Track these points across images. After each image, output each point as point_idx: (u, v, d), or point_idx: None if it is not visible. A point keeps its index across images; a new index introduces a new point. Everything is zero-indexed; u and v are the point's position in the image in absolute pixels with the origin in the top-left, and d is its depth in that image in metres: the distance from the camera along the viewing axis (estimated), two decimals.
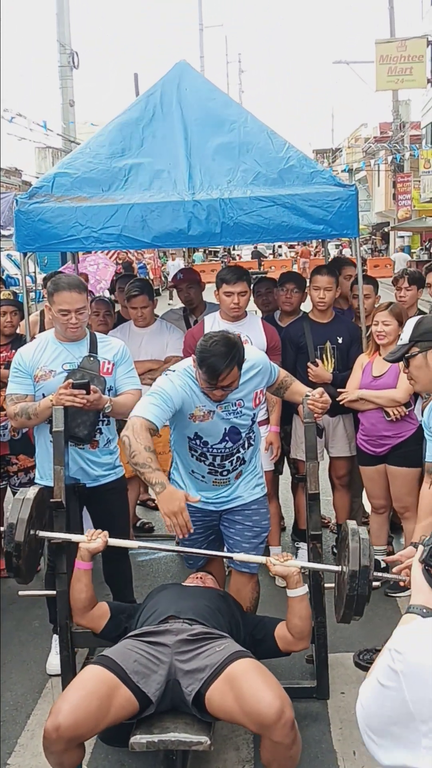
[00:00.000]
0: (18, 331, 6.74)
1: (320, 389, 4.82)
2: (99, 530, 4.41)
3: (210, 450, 4.57)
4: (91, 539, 4.32)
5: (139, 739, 3.61)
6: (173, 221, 5.85)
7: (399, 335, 5.80)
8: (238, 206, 5.80)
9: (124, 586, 5.44)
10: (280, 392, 4.94)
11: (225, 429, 4.52)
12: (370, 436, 5.96)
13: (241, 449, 4.66)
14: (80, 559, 4.32)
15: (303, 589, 4.22)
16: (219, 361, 4.21)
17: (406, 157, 38.33)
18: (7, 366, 6.34)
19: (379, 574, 4.25)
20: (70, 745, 3.52)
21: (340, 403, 5.97)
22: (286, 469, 6.95)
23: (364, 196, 50.65)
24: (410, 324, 4.16)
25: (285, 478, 7.01)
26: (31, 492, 4.42)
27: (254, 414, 4.66)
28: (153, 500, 8.04)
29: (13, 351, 6.45)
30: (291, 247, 49.41)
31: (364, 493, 6.56)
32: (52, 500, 4.65)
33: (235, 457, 4.66)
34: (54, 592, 4.77)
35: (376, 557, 6.19)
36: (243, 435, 4.62)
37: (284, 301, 6.81)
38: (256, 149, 6.14)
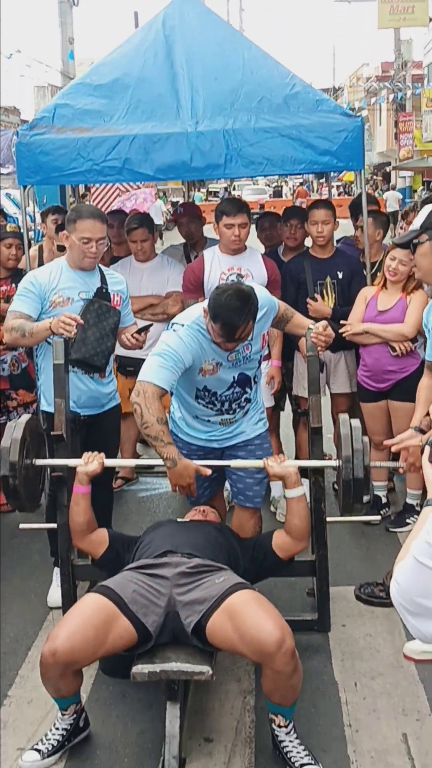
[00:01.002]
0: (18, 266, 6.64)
1: (324, 322, 4.72)
2: (95, 452, 4.40)
3: (219, 398, 4.49)
4: (88, 461, 4.32)
5: (140, 669, 3.59)
6: (176, 153, 5.73)
7: (411, 275, 5.71)
8: (242, 137, 5.67)
9: (102, 514, 5.41)
10: (280, 325, 4.83)
11: (234, 377, 4.43)
12: (373, 372, 5.88)
13: (248, 389, 4.58)
14: (78, 483, 4.30)
15: (301, 490, 4.25)
16: (235, 317, 4.06)
17: (407, 97, 37.79)
18: (7, 300, 6.26)
19: (378, 463, 4.39)
20: (67, 671, 3.53)
21: (344, 335, 5.88)
22: (286, 406, 6.89)
23: (366, 135, 50.03)
24: (425, 212, 4.09)
25: (285, 416, 6.96)
26: (24, 418, 4.47)
27: (260, 355, 4.58)
28: None
29: (13, 285, 6.37)
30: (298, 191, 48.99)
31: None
32: (53, 433, 4.59)
33: (243, 399, 4.58)
34: (54, 525, 4.74)
35: (377, 493, 6.20)
36: (251, 377, 4.54)
37: (288, 237, 6.70)
38: (261, 74, 5.99)
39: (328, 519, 4.68)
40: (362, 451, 4.15)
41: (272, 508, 6.21)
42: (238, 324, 4.07)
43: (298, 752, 3.58)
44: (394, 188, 40.48)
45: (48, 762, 3.63)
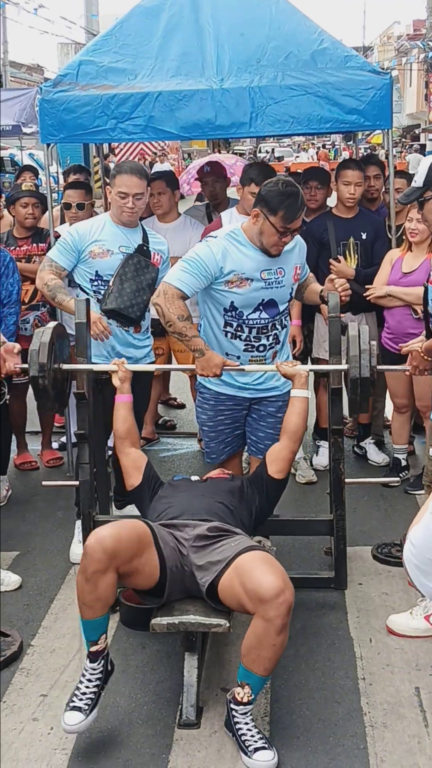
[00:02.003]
0: (40, 225, 6.71)
1: (342, 280, 4.78)
2: (115, 360, 4.69)
3: (246, 322, 4.57)
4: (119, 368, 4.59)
5: (159, 620, 3.72)
6: (200, 110, 5.77)
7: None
8: (268, 95, 5.71)
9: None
10: (301, 292, 4.93)
11: (262, 300, 4.53)
12: (396, 334, 5.95)
13: (278, 326, 4.67)
14: (120, 392, 4.55)
15: (306, 393, 4.42)
16: (293, 200, 4.33)
17: None
18: (28, 260, 6.36)
19: (384, 366, 4.86)
20: (110, 566, 3.52)
21: (368, 298, 5.95)
22: None
23: (396, 96, 49.59)
24: (424, 167, 4.13)
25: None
26: (51, 324, 4.68)
27: (291, 290, 4.68)
28: (174, 399, 8.13)
29: (34, 245, 6.46)
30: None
31: (386, 394, 6.59)
32: (75, 391, 4.71)
33: (271, 333, 4.65)
34: (76, 483, 4.87)
35: (397, 456, 6.29)
36: (280, 309, 4.63)
37: (308, 199, 6.69)
38: (288, 28, 5.98)
39: (347, 480, 4.79)
40: (369, 352, 4.38)
41: (292, 469, 6.32)
42: (298, 203, 4.33)
43: (252, 735, 3.52)
44: (417, 151, 40.11)
45: (92, 718, 3.57)
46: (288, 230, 4.38)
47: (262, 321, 4.59)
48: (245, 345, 4.64)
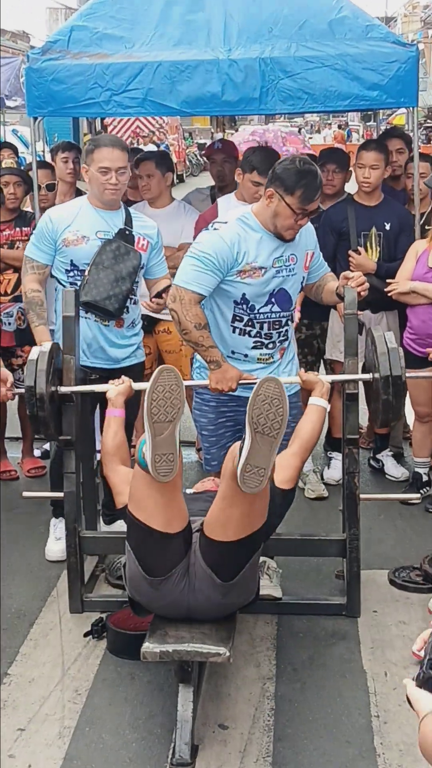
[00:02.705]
0: (25, 207, 6.72)
1: (359, 273, 4.80)
2: (123, 377, 4.69)
3: (257, 316, 4.63)
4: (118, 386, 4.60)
5: (151, 648, 3.72)
6: (205, 84, 5.77)
7: None
8: (280, 68, 5.71)
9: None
10: (319, 292, 4.97)
11: (273, 290, 4.59)
12: (419, 335, 5.95)
13: (288, 321, 4.75)
14: (112, 406, 4.54)
15: (325, 402, 4.48)
16: (312, 179, 4.43)
17: None
18: (10, 246, 6.37)
19: (413, 374, 4.95)
20: None
21: (389, 294, 5.94)
22: (320, 371, 6.97)
23: (421, 72, 49.70)
24: None
25: None
26: (46, 346, 4.68)
27: (303, 279, 4.75)
28: None
29: (17, 229, 6.46)
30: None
31: (407, 401, 6.59)
32: (60, 391, 4.72)
33: (283, 330, 4.72)
34: (61, 495, 4.89)
35: (418, 470, 6.30)
36: (292, 302, 4.71)
37: (325, 184, 6.68)
38: None
39: (362, 496, 4.80)
40: (397, 351, 4.50)
41: (301, 483, 6.32)
42: (317, 182, 4.46)
43: None
44: None
45: None
46: (305, 212, 4.44)
47: (274, 315, 4.65)
48: (255, 342, 4.69)
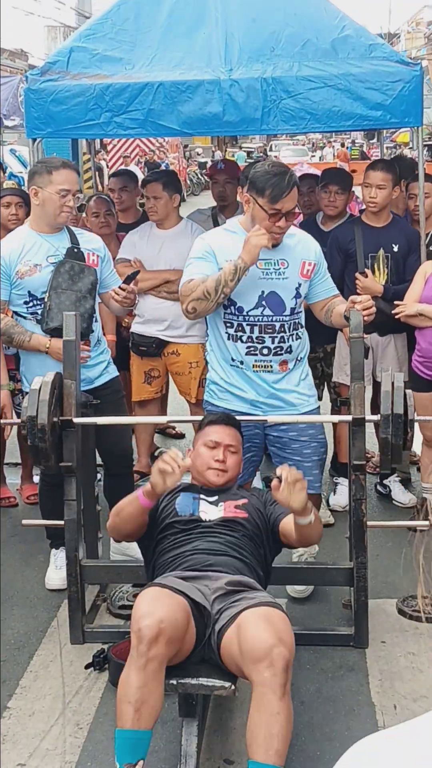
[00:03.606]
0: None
1: (366, 296, 4.82)
2: (176, 454, 4.04)
3: (246, 318, 4.79)
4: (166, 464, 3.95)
5: None
6: (206, 104, 5.79)
7: None
8: (282, 88, 5.73)
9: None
10: (328, 315, 5.02)
11: (262, 292, 4.76)
12: (427, 358, 5.93)
13: (286, 329, 4.83)
14: (145, 495, 4.08)
15: (310, 518, 4.06)
16: (280, 178, 4.60)
17: None
18: None
19: (421, 417, 5.04)
20: (169, 652, 3.49)
21: (397, 317, 5.94)
22: (324, 395, 6.96)
23: (425, 90, 49.93)
24: None
25: (323, 405, 7.02)
26: (49, 376, 4.66)
27: (299, 286, 4.84)
28: (173, 428, 8.13)
29: None
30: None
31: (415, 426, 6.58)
32: (62, 418, 4.71)
33: (277, 336, 4.80)
34: (61, 522, 4.87)
35: (426, 496, 6.27)
36: (287, 307, 4.79)
37: (327, 205, 6.72)
38: (306, 13, 6.01)
39: (369, 523, 4.78)
40: (402, 414, 4.48)
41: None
42: (285, 181, 4.60)
43: None
44: None
45: None
46: (278, 211, 4.58)
47: (266, 319, 4.78)
48: (247, 347, 4.83)
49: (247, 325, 4.79)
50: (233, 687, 3.67)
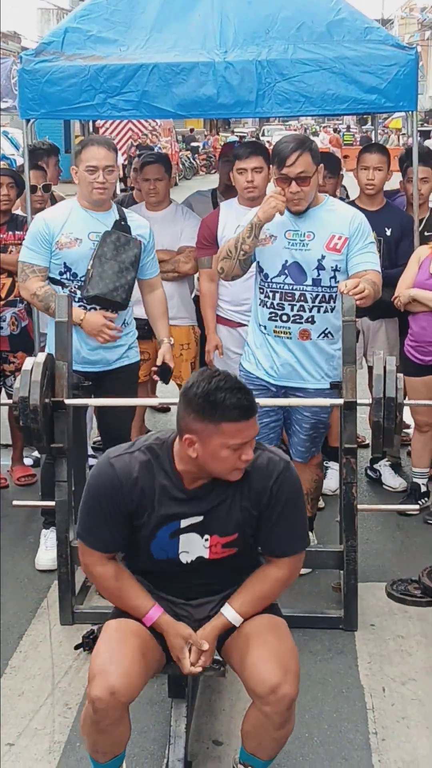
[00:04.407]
0: (17, 210, 6.70)
1: (354, 280, 4.81)
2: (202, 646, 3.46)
3: (270, 285, 4.97)
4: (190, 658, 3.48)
5: None
6: (201, 86, 5.77)
7: None
8: (276, 70, 5.71)
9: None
10: None
11: (285, 261, 4.91)
12: (420, 342, 5.93)
13: (308, 298, 4.92)
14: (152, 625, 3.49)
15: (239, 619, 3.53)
16: (286, 145, 4.76)
17: None
18: (3, 250, 6.34)
19: (411, 401, 5.32)
20: (126, 710, 3.30)
21: (396, 305, 5.93)
22: None
23: (419, 76, 49.94)
24: None
25: None
26: (41, 357, 4.69)
27: (322, 259, 4.92)
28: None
29: (10, 233, 6.44)
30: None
31: (406, 410, 6.57)
32: (53, 399, 4.71)
33: (297, 304, 4.93)
34: (52, 503, 4.87)
35: (416, 481, 6.28)
36: (308, 277, 4.90)
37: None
38: None
39: (360, 507, 4.80)
40: (395, 398, 4.50)
41: None
42: (290, 147, 4.73)
43: None
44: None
45: None
46: (285, 176, 4.75)
47: (287, 286, 4.92)
48: (270, 313, 4.99)
49: (271, 291, 4.96)
50: (223, 669, 3.65)
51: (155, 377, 5.63)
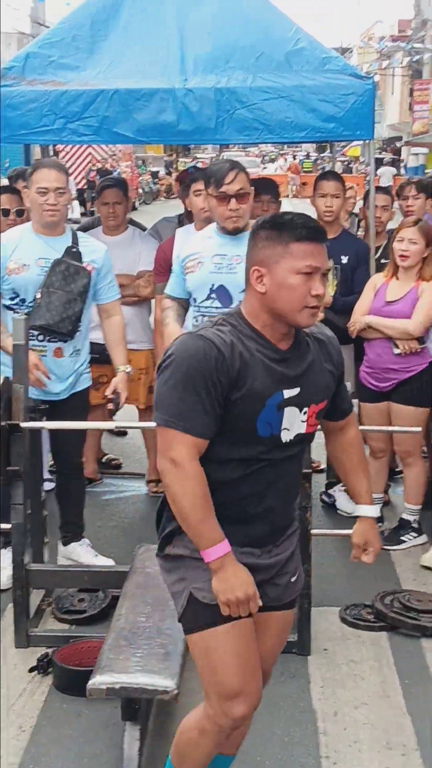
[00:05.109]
0: None
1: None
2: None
3: (199, 309, 5.07)
4: None
5: (98, 684, 3.66)
6: (161, 112, 5.84)
7: (425, 258, 5.82)
8: (236, 98, 5.79)
9: (71, 509, 5.67)
10: None
11: (212, 285, 5.02)
12: (375, 369, 5.98)
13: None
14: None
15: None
16: (221, 165, 5.02)
17: (425, 61, 37.96)
18: None
19: (366, 427, 5.52)
20: None
21: (350, 332, 5.99)
22: None
23: (376, 104, 50.39)
24: None
25: None
26: None
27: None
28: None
29: None
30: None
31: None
32: (9, 422, 4.71)
33: None
34: (8, 526, 4.86)
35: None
36: (234, 300, 4.93)
37: (259, 215, 6.65)
38: (260, 25, 6.10)
39: (313, 531, 4.83)
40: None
41: None
42: (226, 166, 4.96)
43: None
44: (392, 164, 40.70)
45: None
46: (225, 194, 4.90)
47: (214, 310, 4.96)
48: None
49: (200, 315, 5.03)
50: (176, 691, 3.66)
51: (109, 406, 5.62)
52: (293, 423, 3.12)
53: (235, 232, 4.99)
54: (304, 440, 3.23)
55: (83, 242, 5.41)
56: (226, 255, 5.00)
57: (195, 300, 5.10)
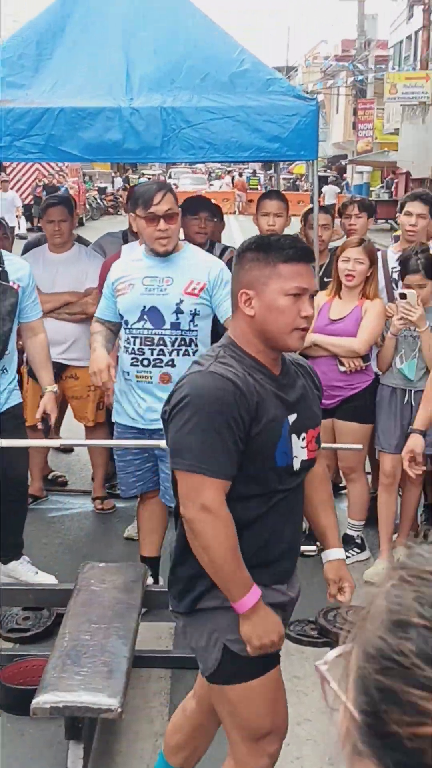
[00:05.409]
0: None
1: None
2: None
3: (131, 331, 5.00)
4: None
5: (41, 703, 3.65)
6: (107, 131, 5.84)
7: (368, 277, 5.87)
8: (181, 117, 5.81)
9: (11, 531, 5.57)
10: None
11: (144, 307, 4.96)
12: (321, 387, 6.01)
13: (168, 343, 4.97)
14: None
15: None
16: (148, 187, 5.01)
17: (369, 80, 38.31)
18: None
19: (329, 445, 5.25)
20: None
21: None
22: None
23: (321, 123, 50.74)
24: None
25: None
26: None
27: (180, 303, 4.96)
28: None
29: None
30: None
31: None
32: None
33: (156, 348, 4.97)
34: None
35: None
36: (165, 321, 4.94)
37: (197, 232, 6.46)
38: (205, 47, 6.16)
39: None
40: None
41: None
42: (153, 187, 4.95)
43: None
44: (335, 183, 41.00)
45: None
46: (153, 215, 4.84)
47: (146, 331, 4.97)
48: (132, 358, 5.04)
49: (132, 337, 5.00)
50: (120, 709, 3.65)
51: (39, 426, 5.60)
52: (297, 450, 3.10)
53: (164, 254, 4.95)
54: (308, 467, 3.21)
55: (8, 260, 5.36)
56: (156, 277, 4.95)
57: (127, 322, 5.04)
